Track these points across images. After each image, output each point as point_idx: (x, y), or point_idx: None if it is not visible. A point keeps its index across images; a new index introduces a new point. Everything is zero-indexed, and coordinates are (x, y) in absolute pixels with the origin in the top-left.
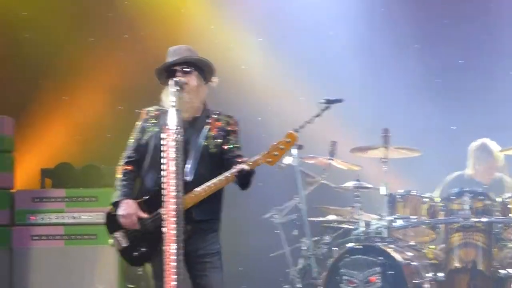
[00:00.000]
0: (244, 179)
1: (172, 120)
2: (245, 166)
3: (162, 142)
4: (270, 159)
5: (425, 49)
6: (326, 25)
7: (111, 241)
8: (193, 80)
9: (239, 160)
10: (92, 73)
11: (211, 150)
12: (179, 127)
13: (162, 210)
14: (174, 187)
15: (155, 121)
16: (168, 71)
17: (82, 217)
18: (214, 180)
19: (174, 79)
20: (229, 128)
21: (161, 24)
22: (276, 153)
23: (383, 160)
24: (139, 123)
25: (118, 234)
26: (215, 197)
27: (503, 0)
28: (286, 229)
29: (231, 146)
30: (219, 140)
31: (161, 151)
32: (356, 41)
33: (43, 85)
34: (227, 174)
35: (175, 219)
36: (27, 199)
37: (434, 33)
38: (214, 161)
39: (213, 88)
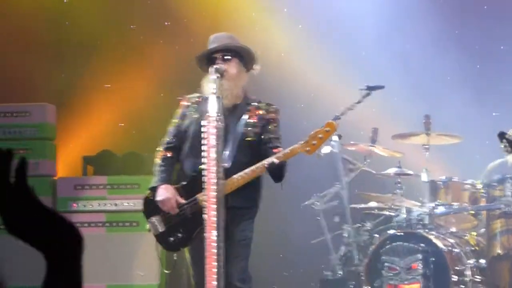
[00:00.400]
0: (275, 172)
1: (212, 107)
2: (275, 160)
3: (202, 129)
4: (308, 148)
5: (465, 34)
6: (367, 11)
7: (148, 226)
8: (233, 67)
9: (275, 151)
10: (134, 60)
11: (249, 138)
12: (219, 114)
13: (200, 196)
14: (215, 174)
15: (195, 108)
16: (208, 59)
17: (124, 204)
18: (250, 169)
19: (214, 66)
20: (269, 117)
21: (203, 11)
22: (314, 142)
23: (424, 146)
24: (179, 110)
25: (155, 219)
26: (252, 185)
27: None
28: (327, 216)
29: (270, 136)
30: (258, 129)
31: (200, 137)
32: (395, 28)
33: (84, 72)
34: (259, 164)
35: (215, 205)
36: (69, 186)
37: (473, 19)
38: (252, 149)
39: (254, 76)
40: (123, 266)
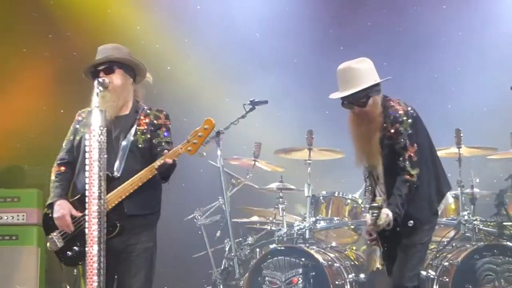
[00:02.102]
0: (165, 173)
1: (95, 121)
2: (168, 160)
3: (86, 142)
4: (190, 148)
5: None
6: (254, 27)
7: (48, 243)
8: (117, 78)
9: (164, 153)
10: (17, 73)
11: (139, 145)
12: (102, 127)
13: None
14: (97, 188)
15: (85, 122)
16: (94, 71)
17: (4, 218)
18: (137, 175)
19: (98, 79)
20: (159, 122)
21: (87, 24)
22: (195, 141)
23: (307, 161)
24: (72, 124)
25: (53, 235)
26: (149, 192)
27: None
28: (209, 230)
29: (159, 140)
30: (148, 135)
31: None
32: (282, 45)
33: None
34: (148, 168)
35: (97, 220)
36: None
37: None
38: (144, 155)
39: (151, 84)
40: (3, 280)
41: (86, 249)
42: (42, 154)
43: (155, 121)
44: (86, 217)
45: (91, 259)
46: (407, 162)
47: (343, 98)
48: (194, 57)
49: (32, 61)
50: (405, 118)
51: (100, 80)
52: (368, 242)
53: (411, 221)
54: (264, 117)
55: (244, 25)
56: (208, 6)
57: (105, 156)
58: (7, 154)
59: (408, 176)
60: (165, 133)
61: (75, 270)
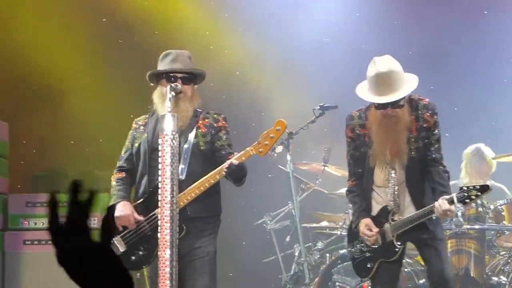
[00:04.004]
0: (234, 174)
1: (168, 125)
2: (234, 161)
3: (156, 146)
4: (261, 149)
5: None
6: (321, 31)
7: None
8: (189, 89)
9: (230, 157)
10: (86, 78)
11: (201, 147)
12: (174, 132)
13: (159, 212)
14: (169, 192)
15: (144, 129)
16: (162, 74)
17: None
18: (205, 177)
19: (172, 84)
20: (218, 125)
21: (156, 29)
22: (266, 142)
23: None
24: (130, 132)
25: (114, 239)
26: (210, 195)
27: None
28: (279, 235)
29: (222, 143)
30: (208, 137)
31: (152, 154)
32: (350, 48)
33: (37, 89)
34: (217, 169)
35: (169, 224)
36: (20, 203)
37: None
38: (206, 158)
39: (204, 91)
40: (73, 284)
41: (158, 253)
42: (112, 158)
43: (214, 124)
44: (158, 222)
45: (164, 263)
46: (440, 154)
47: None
48: (263, 62)
49: (102, 67)
50: (437, 110)
51: (173, 85)
52: (367, 237)
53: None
54: (334, 122)
55: (312, 29)
56: (278, 11)
57: (177, 160)
58: (78, 160)
59: (442, 167)
60: (226, 136)
61: (138, 274)
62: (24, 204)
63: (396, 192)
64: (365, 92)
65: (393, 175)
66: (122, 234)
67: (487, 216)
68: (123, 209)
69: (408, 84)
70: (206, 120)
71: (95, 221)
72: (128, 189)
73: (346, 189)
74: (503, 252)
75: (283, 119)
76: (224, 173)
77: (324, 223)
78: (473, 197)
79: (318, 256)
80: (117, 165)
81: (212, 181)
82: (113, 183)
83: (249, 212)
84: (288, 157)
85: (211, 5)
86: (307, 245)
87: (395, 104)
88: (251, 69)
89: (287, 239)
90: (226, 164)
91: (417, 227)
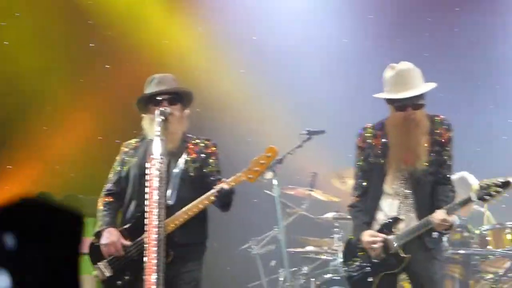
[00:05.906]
0: (224, 199)
1: (156, 150)
2: (224, 186)
3: (145, 171)
4: (251, 175)
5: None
6: (311, 56)
7: (94, 272)
8: (177, 110)
9: (219, 183)
10: (73, 103)
11: (190, 174)
12: (163, 156)
13: (145, 236)
14: (157, 216)
15: (133, 153)
16: (149, 99)
17: None
18: (195, 202)
19: (160, 108)
20: (208, 151)
21: (144, 55)
22: (257, 168)
23: None
24: (119, 156)
25: (101, 264)
26: (198, 221)
27: None
28: (264, 260)
29: (211, 169)
30: (198, 163)
31: (141, 179)
32: (340, 74)
33: (24, 116)
34: (207, 194)
35: (156, 248)
36: None
37: None
38: (195, 184)
39: (191, 116)
40: None
41: (144, 277)
42: (98, 183)
43: (204, 150)
44: (145, 245)
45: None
46: (451, 173)
47: (410, 97)
48: (250, 87)
49: (89, 92)
50: (452, 128)
51: (162, 109)
52: (372, 249)
53: (436, 232)
54: (320, 147)
55: (301, 54)
56: (263, 37)
57: (165, 184)
58: (64, 185)
59: (451, 186)
60: (215, 162)
61: None
62: None
63: (402, 204)
64: (384, 94)
65: (402, 185)
66: (108, 259)
67: (471, 241)
68: (109, 236)
69: (427, 84)
70: (196, 146)
71: None
72: (115, 214)
73: (333, 213)
74: (488, 277)
75: (271, 144)
76: (214, 198)
77: (309, 248)
78: (494, 193)
79: (304, 281)
80: (105, 188)
81: (201, 206)
82: (100, 207)
83: (234, 237)
84: (275, 182)
85: (198, 32)
86: (293, 269)
87: (415, 104)
88: (239, 94)
89: (272, 263)
90: (217, 189)
91: (416, 245)
